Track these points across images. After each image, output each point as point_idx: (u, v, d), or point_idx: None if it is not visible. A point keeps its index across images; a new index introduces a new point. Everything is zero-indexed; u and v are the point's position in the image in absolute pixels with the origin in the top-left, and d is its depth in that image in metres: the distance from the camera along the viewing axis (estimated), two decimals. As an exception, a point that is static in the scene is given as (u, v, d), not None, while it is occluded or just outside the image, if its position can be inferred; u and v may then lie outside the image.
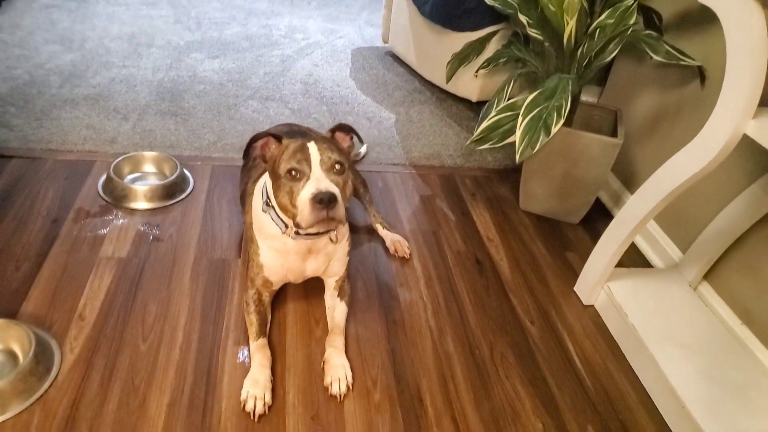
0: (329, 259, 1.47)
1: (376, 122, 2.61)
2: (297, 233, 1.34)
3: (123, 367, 1.32)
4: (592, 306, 1.72)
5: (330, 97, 2.77)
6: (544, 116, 1.70)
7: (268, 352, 1.37)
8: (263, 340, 1.38)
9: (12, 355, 1.30)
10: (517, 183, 2.23)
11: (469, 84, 2.67)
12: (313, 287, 1.61)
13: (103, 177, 1.95)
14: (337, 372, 1.35)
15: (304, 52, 3.26)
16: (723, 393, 1.37)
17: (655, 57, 1.76)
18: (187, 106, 2.51)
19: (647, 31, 1.82)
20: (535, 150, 1.70)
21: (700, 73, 1.77)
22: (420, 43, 2.94)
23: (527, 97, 1.74)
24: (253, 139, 1.32)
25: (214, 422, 1.23)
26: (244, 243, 1.75)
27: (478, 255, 1.88)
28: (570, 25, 1.74)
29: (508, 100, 1.97)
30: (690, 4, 1.84)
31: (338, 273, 1.52)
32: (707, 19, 1.77)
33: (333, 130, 1.40)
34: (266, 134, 1.32)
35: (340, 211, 1.20)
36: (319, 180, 1.21)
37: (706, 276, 1.70)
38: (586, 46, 1.79)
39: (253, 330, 1.40)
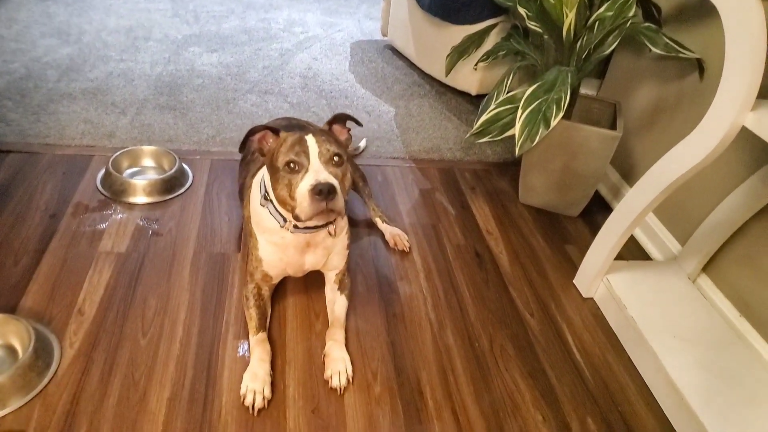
0: (328, 253, 1.47)
1: (376, 116, 2.60)
2: (296, 227, 1.34)
3: (123, 362, 1.33)
4: (592, 298, 1.73)
5: (329, 91, 2.76)
6: (543, 109, 1.70)
7: (268, 347, 1.37)
8: (263, 335, 1.39)
9: (11, 350, 1.30)
10: (516, 176, 2.23)
11: (468, 77, 2.67)
12: (314, 281, 1.61)
13: (102, 171, 1.94)
14: (338, 365, 1.35)
15: (302, 45, 3.24)
16: (721, 384, 1.37)
17: (654, 49, 1.76)
18: (185, 100, 2.50)
19: (646, 24, 1.82)
20: (535, 143, 1.70)
21: (699, 66, 1.77)
22: (419, 36, 2.93)
23: (526, 90, 1.74)
24: (251, 133, 1.31)
25: (215, 416, 1.24)
26: (244, 237, 1.75)
27: (477, 248, 1.88)
28: (569, 18, 1.73)
29: (508, 93, 1.97)
30: (690, -5, 1.84)
31: (338, 266, 1.53)
32: (706, 11, 1.77)
33: (330, 123, 1.39)
34: (263, 127, 1.32)
35: (339, 202, 1.20)
36: (317, 172, 1.21)
37: (705, 268, 1.71)
38: (585, 38, 1.79)
39: (252, 324, 1.40)
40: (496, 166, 2.37)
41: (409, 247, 1.82)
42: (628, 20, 1.72)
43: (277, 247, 1.41)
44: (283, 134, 1.30)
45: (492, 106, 1.87)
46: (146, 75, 2.66)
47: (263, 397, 1.26)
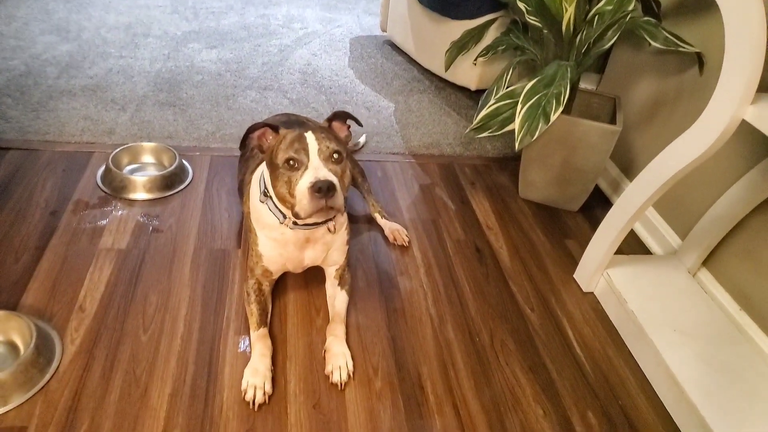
0: (327, 249, 1.48)
1: (375, 111, 2.60)
2: (295, 223, 1.34)
3: (124, 358, 1.33)
4: (592, 293, 1.73)
5: (328, 87, 2.76)
6: (543, 104, 1.70)
7: (269, 342, 1.37)
8: (264, 330, 1.39)
9: (13, 347, 1.30)
10: (516, 171, 2.23)
11: (467, 72, 2.66)
12: (314, 277, 1.61)
13: (102, 168, 1.94)
14: (338, 360, 1.35)
15: (302, 41, 3.24)
16: (722, 378, 1.38)
17: (653, 44, 1.76)
18: (185, 96, 2.50)
19: (646, 18, 1.81)
20: (535, 137, 1.70)
21: (699, 60, 1.77)
22: (418, 31, 2.92)
23: (526, 85, 1.73)
24: (250, 130, 1.31)
25: (216, 412, 1.24)
26: (244, 233, 1.75)
27: (477, 243, 1.88)
28: (569, 12, 1.73)
29: (507, 87, 1.96)
30: (689, -11, 1.83)
31: (338, 262, 1.53)
32: (705, 5, 1.76)
33: (330, 120, 1.39)
34: (263, 125, 1.32)
35: (338, 199, 1.20)
36: (317, 169, 1.21)
37: (705, 262, 1.71)
38: (584, 33, 1.78)
39: (253, 320, 1.40)
40: (496, 161, 2.36)
41: (409, 242, 1.82)
42: (628, 14, 1.71)
43: (277, 243, 1.41)
44: (282, 131, 1.30)
45: (491, 101, 1.87)
46: (146, 71, 2.66)
47: (264, 393, 1.27)
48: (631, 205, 1.52)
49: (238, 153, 1.91)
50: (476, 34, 2.38)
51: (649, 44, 1.77)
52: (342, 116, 1.40)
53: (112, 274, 1.55)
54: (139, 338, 1.38)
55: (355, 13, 3.76)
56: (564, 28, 1.78)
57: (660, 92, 1.98)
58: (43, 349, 1.27)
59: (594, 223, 1.99)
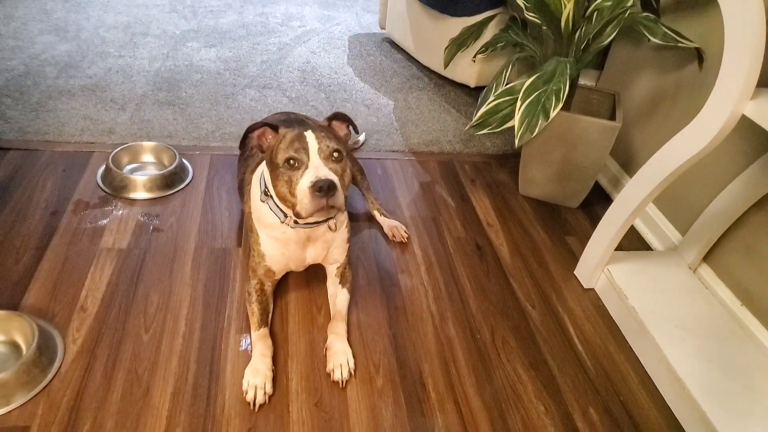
0: (328, 246, 1.48)
1: (375, 109, 2.60)
2: (296, 222, 1.34)
3: (126, 358, 1.33)
4: (593, 289, 1.73)
5: (328, 85, 2.76)
6: (542, 100, 1.69)
7: (270, 342, 1.37)
8: (265, 330, 1.39)
9: (15, 347, 1.31)
10: (516, 168, 2.23)
11: (467, 69, 2.66)
12: (315, 275, 1.62)
13: (102, 168, 1.94)
14: (340, 358, 1.35)
15: (301, 39, 3.23)
16: (723, 374, 1.38)
17: (652, 39, 1.75)
18: (184, 95, 2.49)
19: (645, 14, 1.81)
20: (534, 134, 1.70)
21: (698, 55, 1.76)
22: (417, 28, 2.92)
23: (525, 81, 1.73)
24: (250, 129, 1.31)
25: (218, 410, 1.24)
26: (244, 232, 1.75)
27: (478, 240, 1.88)
28: (567, 8, 1.73)
29: (507, 84, 1.96)
30: (689, -16, 1.83)
31: (338, 260, 1.53)
32: (705, 0, 1.76)
33: (330, 119, 1.39)
34: (262, 124, 1.31)
35: (339, 198, 1.20)
36: (317, 168, 1.21)
37: (706, 258, 1.71)
38: (583, 29, 1.78)
39: (254, 320, 1.40)
40: (496, 158, 2.36)
41: (409, 239, 1.82)
42: (627, 10, 1.71)
43: (279, 243, 1.41)
44: (282, 131, 1.30)
45: (491, 98, 1.87)
46: (145, 71, 2.66)
47: (264, 393, 1.27)
48: (631, 201, 1.52)
49: (237, 152, 1.91)
50: (475, 31, 2.37)
51: (649, 40, 1.77)
52: (342, 118, 1.40)
53: (113, 273, 1.55)
54: (140, 337, 1.38)
55: (354, 11, 3.75)
56: (563, 24, 1.78)
57: (659, 88, 1.98)
58: (45, 349, 1.28)
59: (594, 220, 1.99)
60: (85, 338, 1.36)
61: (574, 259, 1.83)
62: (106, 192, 1.86)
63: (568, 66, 1.71)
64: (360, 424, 1.25)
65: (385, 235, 1.83)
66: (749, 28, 1.15)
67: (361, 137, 2.33)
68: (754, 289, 1.55)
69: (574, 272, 1.78)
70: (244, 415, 1.24)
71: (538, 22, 1.89)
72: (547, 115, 1.69)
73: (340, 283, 1.54)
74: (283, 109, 2.48)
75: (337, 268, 1.54)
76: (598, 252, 1.66)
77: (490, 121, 1.86)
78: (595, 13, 1.74)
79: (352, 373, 1.36)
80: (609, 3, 1.71)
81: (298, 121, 1.77)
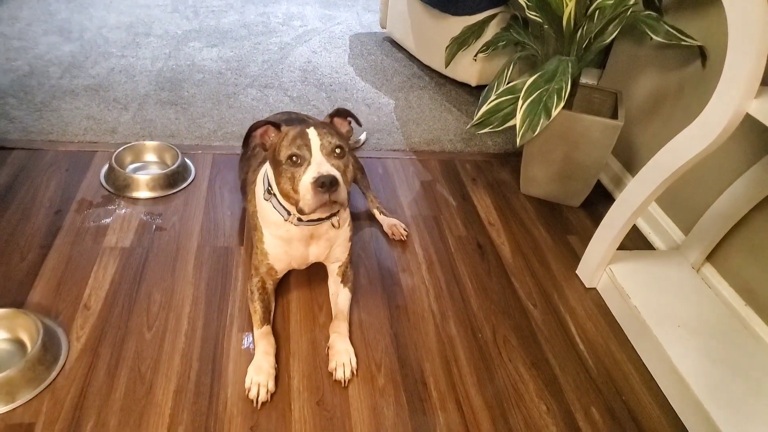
0: (331, 245, 1.48)
1: (376, 108, 2.60)
2: (299, 219, 1.34)
3: (129, 356, 1.34)
4: (594, 288, 1.73)
5: (329, 84, 2.76)
6: (544, 99, 1.69)
7: (272, 339, 1.38)
8: (267, 328, 1.39)
9: (20, 344, 1.31)
10: (517, 167, 2.23)
11: (468, 68, 2.66)
12: (317, 274, 1.62)
13: (105, 167, 1.95)
14: (342, 357, 1.36)
15: (302, 39, 3.24)
16: (727, 373, 1.38)
17: (655, 38, 1.75)
18: (186, 95, 2.50)
19: (647, 12, 1.81)
20: (536, 133, 1.70)
21: (702, 54, 1.76)
22: (418, 28, 2.92)
23: (527, 80, 1.73)
24: (253, 128, 1.32)
25: (221, 408, 1.25)
26: (247, 231, 1.75)
27: (479, 239, 1.88)
28: (569, 7, 1.73)
29: (508, 83, 1.96)
30: (691, -17, 1.83)
31: (340, 258, 1.53)
32: (708, -2, 1.76)
33: (332, 116, 1.40)
34: (265, 122, 1.32)
35: (341, 194, 1.21)
36: (320, 164, 1.21)
37: (709, 257, 1.71)
38: (585, 27, 1.78)
39: (257, 318, 1.41)
40: (497, 157, 2.36)
41: (409, 237, 1.83)
42: (629, 8, 1.71)
43: (282, 240, 1.42)
44: (284, 128, 1.31)
45: (492, 97, 1.87)
46: (147, 71, 2.66)
47: (267, 390, 1.27)
48: (634, 200, 1.51)
49: (239, 151, 1.92)
50: (476, 30, 2.37)
51: (651, 38, 1.77)
52: (343, 113, 1.41)
53: (117, 272, 1.56)
54: (143, 336, 1.39)
55: (355, 11, 3.76)
56: (564, 23, 1.77)
57: (662, 87, 1.97)
58: (49, 347, 1.28)
59: (596, 219, 1.99)
60: (88, 336, 1.37)
61: (575, 258, 1.83)
62: (109, 191, 1.86)
63: (569, 65, 1.71)
64: (362, 423, 1.26)
65: (385, 234, 1.83)
66: (753, 26, 1.14)
67: (362, 136, 2.33)
68: (758, 288, 1.54)
69: (576, 271, 1.78)
70: (246, 413, 1.24)
71: (540, 20, 1.89)
72: (548, 114, 1.69)
73: (341, 282, 1.54)
74: (285, 108, 2.49)
75: (339, 267, 1.54)
76: (600, 251, 1.66)
77: (492, 120, 1.86)
78: (597, 11, 1.74)
79: (355, 372, 1.36)
80: (611, 1, 1.71)
81: (299, 121, 1.78)
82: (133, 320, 1.43)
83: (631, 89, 2.13)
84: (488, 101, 1.87)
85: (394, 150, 2.31)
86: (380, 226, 1.86)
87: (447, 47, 2.45)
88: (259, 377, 1.28)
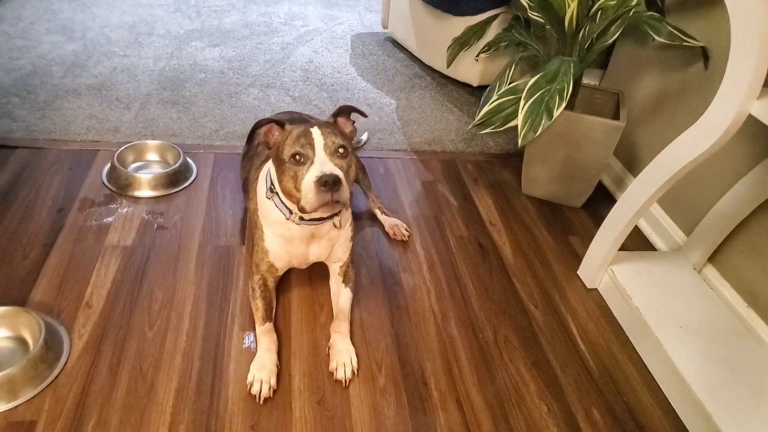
0: (332, 244, 1.48)
1: (377, 108, 2.60)
2: (301, 218, 1.35)
3: (131, 354, 1.34)
4: (596, 289, 1.73)
5: (330, 84, 2.76)
6: (546, 99, 1.69)
7: (275, 337, 1.38)
8: (269, 325, 1.40)
9: (22, 342, 1.32)
10: (519, 167, 2.23)
11: (469, 69, 2.66)
12: (318, 273, 1.62)
13: (107, 166, 1.95)
14: (342, 357, 1.36)
15: (303, 39, 3.24)
16: (728, 375, 1.38)
17: (657, 38, 1.75)
18: (188, 94, 2.50)
19: (649, 13, 1.81)
20: (538, 133, 1.70)
21: (704, 54, 1.76)
22: (420, 28, 2.92)
23: (529, 81, 1.73)
24: (257, 125, 1.32)
25: (222, 407, 1.25)
26: (248, 230, 1.76)
27: (480, 239, 1.88)
28: (571, 8, 1.73)
29: (510, 83, 1.97)
30: (693, -16, 1.83)
31: (342, 258, 1.53)
32: (711, -1, 1.76)
33: (335, 115, 1.40)
34: (269, 120, 1.33)
35: (344, 193, 1.21)
36: (323, 163, 1.21)
37: (711, 258, 1.71)
38: (587, 28, 1.78)
39: (259, 315, 1.41)
40: (499, 157, 2.36)
41: (410, 237, 1.83)
42: (631, 9, 1.71)
43: (283, 239, 1.42)
44: (288, 127, 1.31)
45: (494, 97, 1.87)
46: (149, 70, 2.67)
47: (269, 387, 1.27)
48: (635, 201, 1.51)
49: (241, 150, 1.92)
50: (478, 30, 2.37)
51: (653, 39, 1.77)
52: (346, 110, 1.41)
53: (118, 270, 1.56)
54: (145, 334, 1.39)
55: (357, 11, 3.76)
56: (567, 23, 1.77)
57: (664, 87, 1.97)
58: (51, 345, 1.29)
59: (598, 220, 1.99)
60: (90, 334, 1.37)
61: (577, 259, 1.82)
62: (111, 190, 1.87)
63: (571, 65, 1.71)
64: (362, 423, 1.26)
65: (387, 234, 1.83)
66: (756, 27, 1.14)
67: (364, 136, 2.33)
68: (759, 290, 1.54)
69: (578, 272, 1.78)
70: (248, 411, 1.25)
71: (542, 21, 1.89)
72: (550, 115, 1.69)
73: (343, 281, 1.54)
74: (286, 108, 2.49)
75: (340, 266, 1.54)
76: (601, 252, 1.66)
77: (493, 120, 1.86)
78: (599, 12, 1.74)
79: (356, 372, 1.36)
80: (613, 2, 1.71)
81: (301, 121, 1.78)
82: (134, 319, 1.43)
83: (633, 90, 2.13)
84: (490, 101, 1.86)
85: (396, 150, 2.32)
86: (381, 226, 1.86)
87: (449, 47, 2.45)
88: (261, 373, 1.28)
